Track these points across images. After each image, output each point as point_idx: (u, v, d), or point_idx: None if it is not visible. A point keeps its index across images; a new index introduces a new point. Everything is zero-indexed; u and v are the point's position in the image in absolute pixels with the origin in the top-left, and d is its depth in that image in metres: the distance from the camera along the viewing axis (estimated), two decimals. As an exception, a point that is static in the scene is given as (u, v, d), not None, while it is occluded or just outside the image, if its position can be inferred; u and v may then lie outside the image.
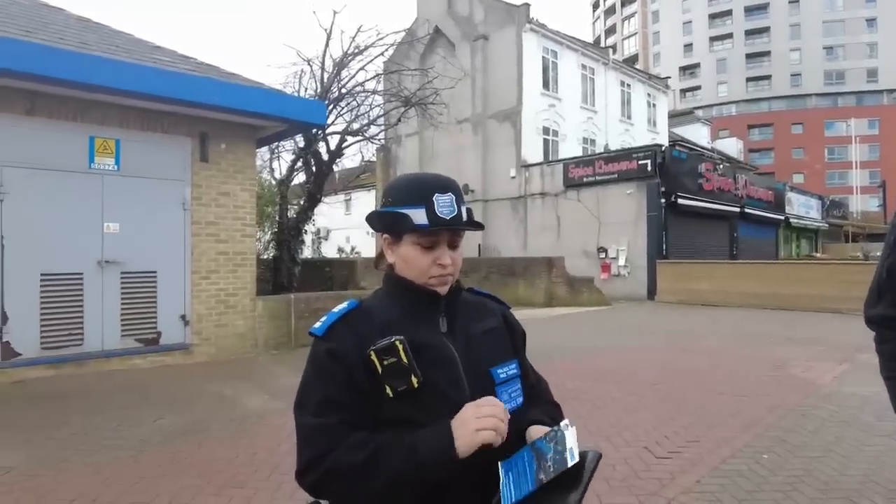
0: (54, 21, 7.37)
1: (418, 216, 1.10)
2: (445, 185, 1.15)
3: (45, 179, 6.19)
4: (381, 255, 1.23)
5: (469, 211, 1.17)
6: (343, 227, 26.50)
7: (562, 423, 1.06)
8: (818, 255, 28.67)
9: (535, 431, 1.13)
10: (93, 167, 6.51)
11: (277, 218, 12.31)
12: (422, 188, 1.13)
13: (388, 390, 1.04)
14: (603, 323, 11.80)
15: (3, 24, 6.22)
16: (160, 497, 3.17)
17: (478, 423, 0.99)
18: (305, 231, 12.45)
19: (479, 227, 1.18)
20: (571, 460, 0.99)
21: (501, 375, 1.17)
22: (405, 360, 1.04)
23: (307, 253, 16.49)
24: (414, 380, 1.04)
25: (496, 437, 1.00)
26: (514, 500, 1.00)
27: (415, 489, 1.00)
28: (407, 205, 1.12)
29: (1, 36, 5.73)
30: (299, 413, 1.09)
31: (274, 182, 13.66)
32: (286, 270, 11.43)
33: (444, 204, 1.11)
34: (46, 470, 3.57)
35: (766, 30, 67.62)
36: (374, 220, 1.20)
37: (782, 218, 25.32)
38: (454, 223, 1.12)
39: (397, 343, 1.05)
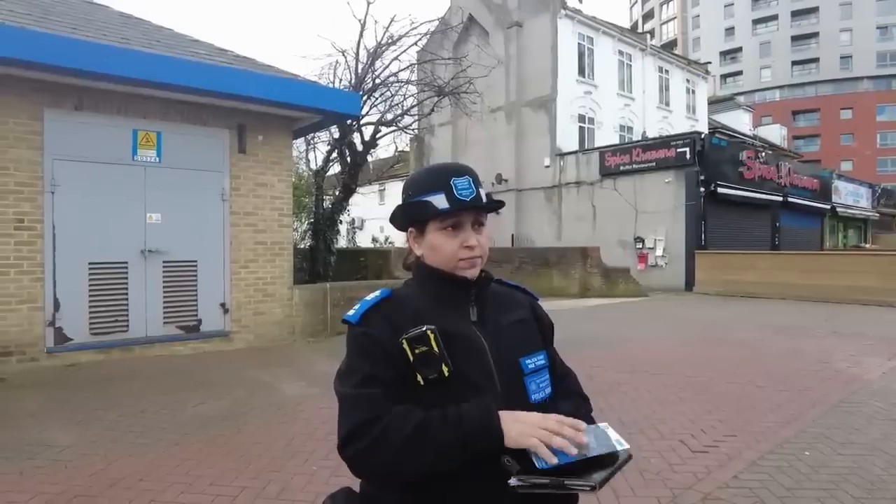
0: (97, 18, 7.59)
1: (439, 201, 1.14)
2: (461, 169, 1.19)
3: (91, 172, 6.42)
4: (410, 254, 1.25)
5: (488, 195, 1.21)
6: (377, 217, 26.67)
7: (601, 424, 1.10)
8: (867, 245, 27.52)
9: None
10: (136, 159, 6.72)
11: (313, 208, 12.51)
12: (439, 175, 1.17)
13: (419, 378, 1.07)
14: (639, 314, 11.62)
15: (53, 24, 6.44)
16: (201, 479, 3.29)
17: (540, 432, 0.99)
18: (340, 221, 12.64)
19: (499, 204, 1.22)
20: (620, 447, 1.04)
21: (530, 366, 1.18)
22: (436, 349, 1.06)
23: (342, 242, 16.73)
24: (444, 369, 1.06)
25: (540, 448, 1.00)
26: (548, 465, 1.00)
27: (456, 461, 1.01)
28: (427, 193, 1.15)
29: (52, 33, 5.95)
30: (342, 386, 1.10)
31: (310, 173, 13.88)
32: (322, 260, 11.63)
33: (462, 186, 1.15)
34: (97, 450, 3.74)
35: (813, 10, 64.54)
36: (397, 216, 1.22)
37: (828, 207, 24.33)
38: (475, 203, 1.15)
39: (429, 332, 1.07)
